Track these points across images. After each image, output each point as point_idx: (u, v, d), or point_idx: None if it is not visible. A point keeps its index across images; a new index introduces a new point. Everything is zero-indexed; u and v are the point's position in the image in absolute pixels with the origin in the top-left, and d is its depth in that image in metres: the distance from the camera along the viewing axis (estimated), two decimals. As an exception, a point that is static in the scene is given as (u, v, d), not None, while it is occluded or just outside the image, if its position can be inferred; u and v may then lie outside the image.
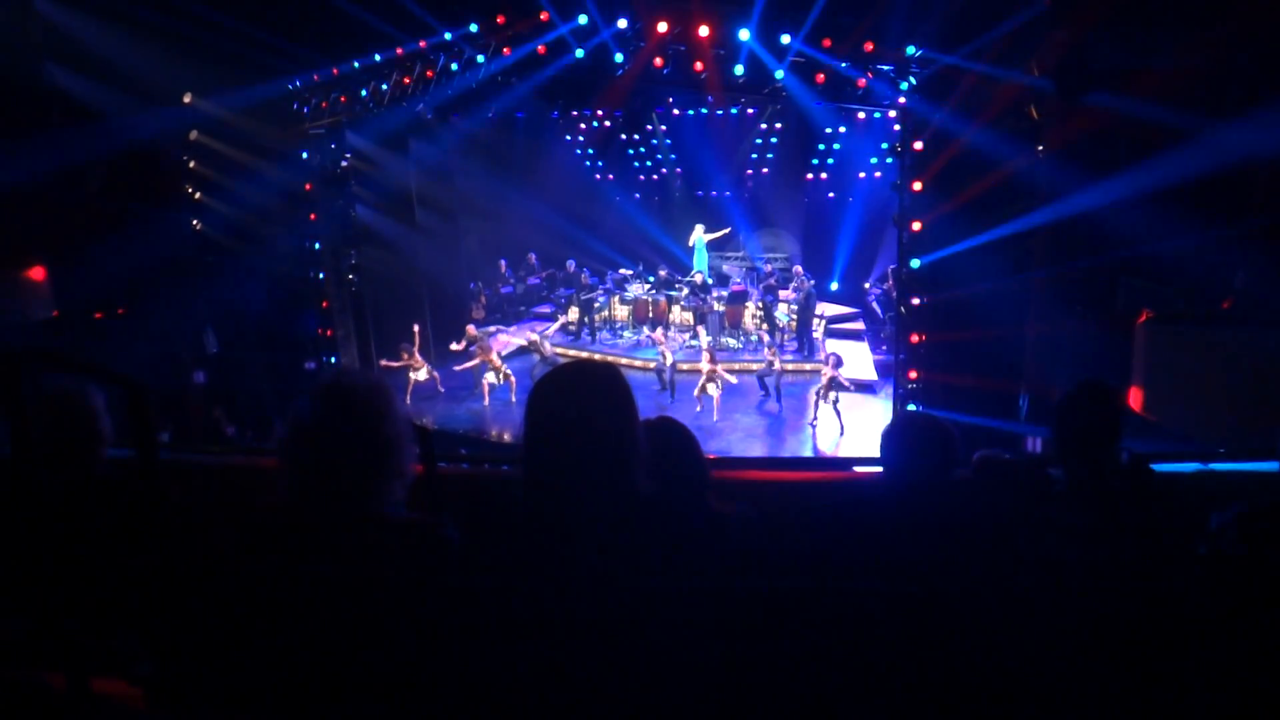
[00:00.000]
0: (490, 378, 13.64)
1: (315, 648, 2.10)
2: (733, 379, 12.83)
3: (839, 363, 11.91)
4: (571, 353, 15.49)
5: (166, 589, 2.24)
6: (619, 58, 11.15)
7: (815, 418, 12.21)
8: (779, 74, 10.77)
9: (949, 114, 10.23)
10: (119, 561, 2.95)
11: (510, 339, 15.83)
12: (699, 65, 11.04)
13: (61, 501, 3.13)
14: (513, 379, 13.66)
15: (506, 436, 12.59)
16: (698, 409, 12.61)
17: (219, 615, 2.19)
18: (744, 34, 10.52)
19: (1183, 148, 8.94)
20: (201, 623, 2.20)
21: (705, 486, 2.87)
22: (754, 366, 14.17)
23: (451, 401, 14.24)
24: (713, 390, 12.65)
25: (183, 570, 2.27)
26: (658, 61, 11.14)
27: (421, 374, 14.01)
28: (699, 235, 17.39)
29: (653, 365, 14.26)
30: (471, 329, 14.48)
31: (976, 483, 3.34)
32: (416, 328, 14.27)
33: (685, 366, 14.05)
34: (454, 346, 14.58)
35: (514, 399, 13.52)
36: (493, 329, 15.12)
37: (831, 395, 11.87)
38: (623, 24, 10.86)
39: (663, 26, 10.74)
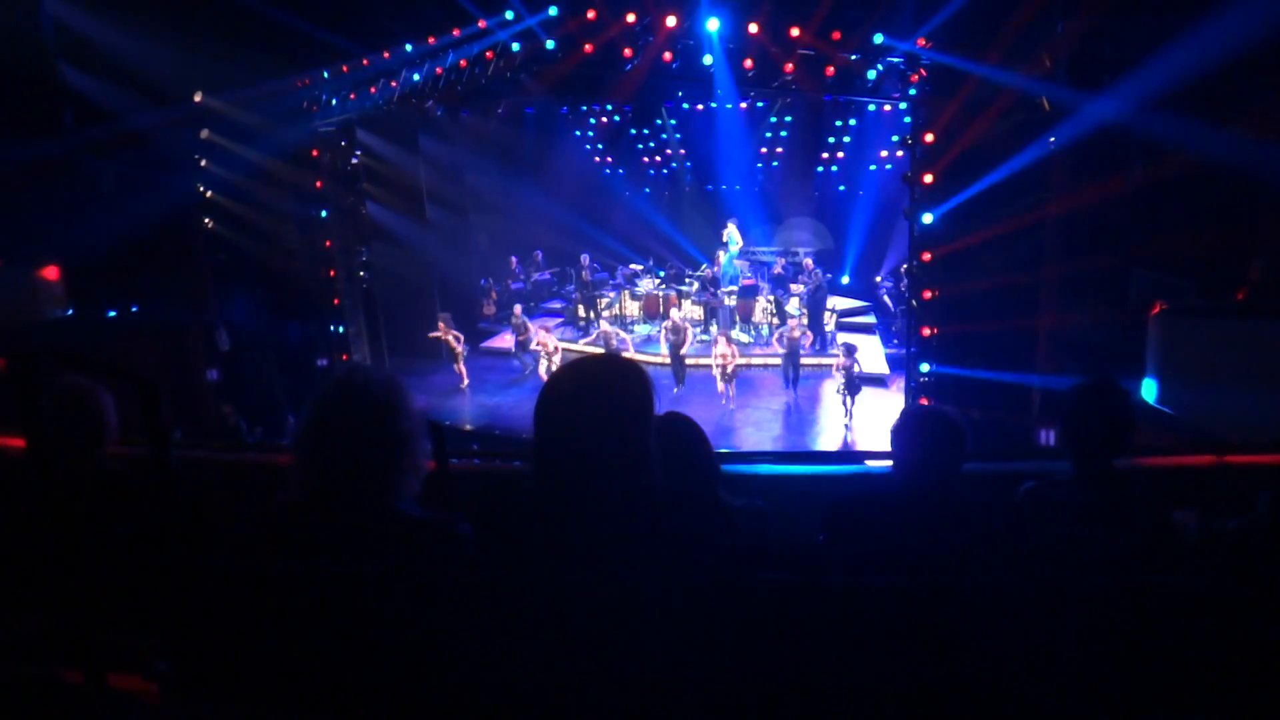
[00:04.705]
0: (545, 365, 13.95)
1: (330, 644, 2.11)
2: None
3: (851, 350, 11.91)
4: (578, 347, 15.52)
5: (182, 585, 2.25)
6: (627, 52, 11.12)
7: (849, 419, 12.10)
8: (788, 67, 10.73)
9: (960, 106, 10.19)
10: (134, 558, 2.97)
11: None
12: (708, 59, 11.01)
13: (72, 496, 3.15)
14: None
15: (519, 432, 12.60)
16: (724, 403, 12.91)
17: (234, 612, 2.20)
18: (753, 27, 10.49)
19: (1194, 140, 8.89)
20: (217, 619, 2.21)
21: (716, 481, 2.88)
22: (766, 361, 14.18)
23: (463, 397, 14.28)
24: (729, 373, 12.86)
25: (198, 567, 2.28)
26: (667, 56, 11.12)
27: (459, 351, 14.49)
28: (732, 232, 17.42)
29: (662, 359, 14.30)
30: (518, 309, 14.93)
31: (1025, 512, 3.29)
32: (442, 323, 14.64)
33: (694, 361, 14.08)
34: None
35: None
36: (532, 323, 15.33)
37: (852, 387, 11.92)
38: (631, 19, 10.82)
39: (671, 21, 10.72)
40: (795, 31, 10.42)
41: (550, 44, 11.28)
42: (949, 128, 10.40)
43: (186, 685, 2.25)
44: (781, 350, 13.38)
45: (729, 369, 12.86)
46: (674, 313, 14.29)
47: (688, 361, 13.89)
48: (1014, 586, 2.06)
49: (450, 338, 14.51)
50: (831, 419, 12.20)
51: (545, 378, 13.04)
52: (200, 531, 3.05)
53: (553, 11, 11.03)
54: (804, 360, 14.47)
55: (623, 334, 15.22)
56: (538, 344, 14.07)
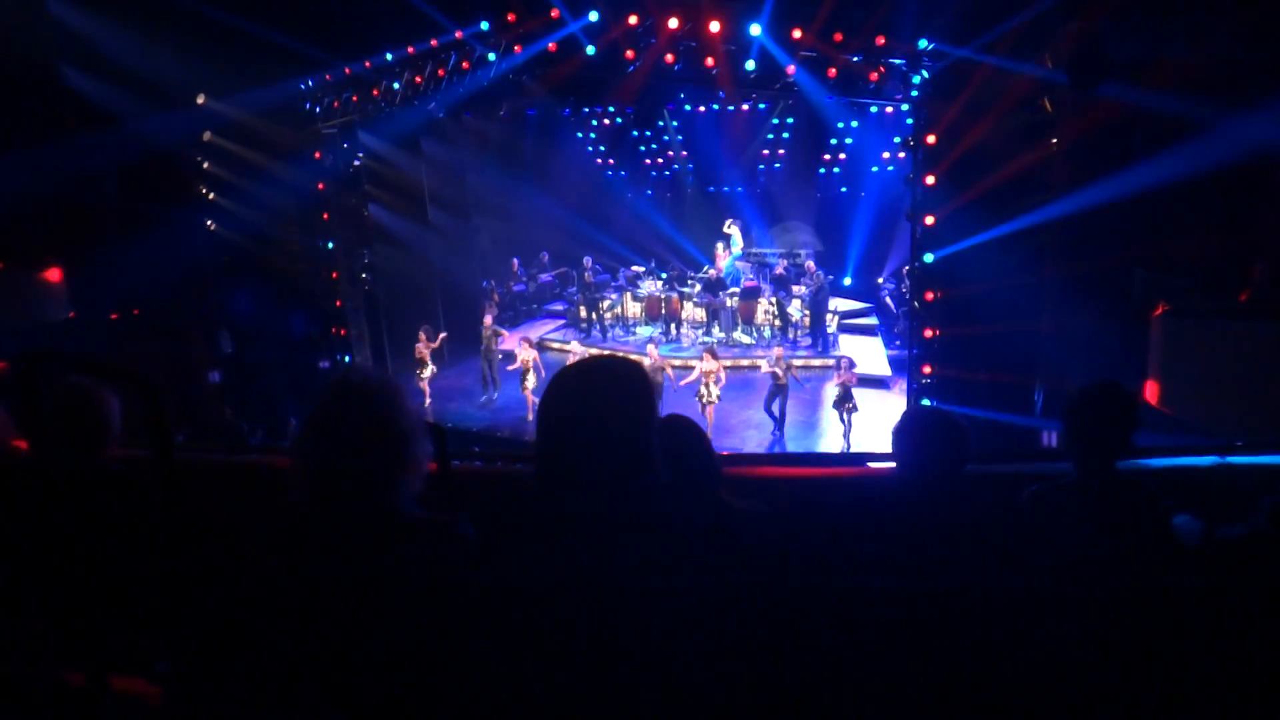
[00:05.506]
0: (530, 381, 13.18)
1: (331, 645, 2.11)
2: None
3: (851, 364, 11.74)
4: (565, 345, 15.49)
5: (184, 587, 2.25)
6: (629, 54, 11.11)
7: (849, 430, 11.70)
8: (790, 68, 10.72)
9: (962, 107, 10.18)
10: (137, 559, 2.97)
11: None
12: (710, 61, 11.01)
13: (75, 498, 3.16)
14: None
15: (521, 435, 12.60)
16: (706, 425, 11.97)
17: (236, 613, 2.20)
18: (755, 29, 10.49)
19: (1198, 139, 8.87)
20: (219, 621, 2.21)
21: (718, 483, 2.87)
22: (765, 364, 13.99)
23: (465, 400, 14.27)
24: (713, 394, 12.07)
25: (200, 569, 2.29)
26: (669, 58, 11.11)
27: (427, 372, 14.02)
28: (734, 233, 17.47)
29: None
30: (488, 320, 14.44)
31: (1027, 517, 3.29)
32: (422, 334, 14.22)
33: (678, 362, 14.02)
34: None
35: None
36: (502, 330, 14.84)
37: (847, 404, 11.55)
38: (634, 20, 10.82)
39: (674, 23, 10.72)
40: (797, 33, 10.42)
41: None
42: (951, 129, 10.40)
43: (189, 687, 2.26)
44: (769, 373, 12.17)
45: (713, 388, 12.04)
46: (651, 348, 13.45)
47: (681, 364, 13.81)
48: (1016, 589, 2.05)
49: (428, 351, 14.04)
50: (833, 420, 12.15)
51: (527, 394, 12.99)
52: (202, 533, 3.05)
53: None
54: (803, 362, 14.42)
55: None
56: (520, 361, 13.28)
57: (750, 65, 10.85)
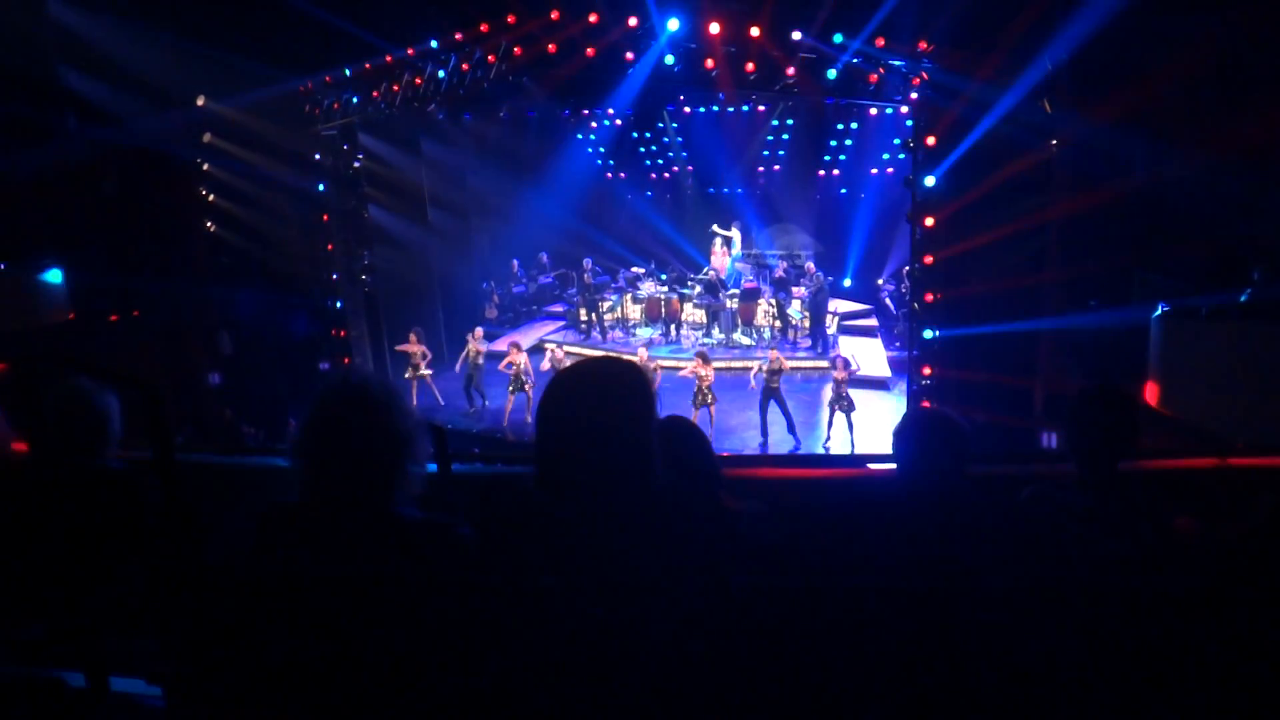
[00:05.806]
0: (522, 382, 13.03)
1: (331, 646, 2.11)
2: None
3: (847, 364, 11.66)
4: (582, 352, 15.49)
5: (184, 588, 2.25)
6: (629, 56, 11.11)
7: (829, 437, 11.58)
8: (790, 70, 10.72)
9: (962, 109, 10.18)
10: (137, 561, 2.97)
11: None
12: (710, 63, 11.01)
13: (75, 499, 3.16)
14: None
15: (518, 436, 12.59)
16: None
17: (236, 615, 2.20)
18: (754, 30, 10.49)
19: (1198, 140, 8.88)
20: (219, 622, 2.21)
21: (718, 484, 2.87)
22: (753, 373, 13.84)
23: (465, 401, 14.25)
24: (707, 397, 11.94)
25: (200, 570, 2.29)
26: (668, 59, 11.12)
27: (423, 370, 13.95)
28: (735, 235, 17.55)
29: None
30: (479, 331, 14.21)
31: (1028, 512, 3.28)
32: (413, 335, 14.08)
33: (669, 364, 13.97)
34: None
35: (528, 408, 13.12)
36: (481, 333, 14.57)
37: (844, 403, 11.43)
38: (633, 22, 10.83)
39: (674, 24, 10.72)
40: (797, 35, 10.43)
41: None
42: (951, 130, 10.40)
43: (188, 688, 2.25)
44: (760, 382, 11.93)
45: (707, 392, 11.93)
46: (641, 350, 13.50)
47: (673, 365, 13.77)
48: (1017, 589, 2.05)
49: (419, 353, 13.89)
50: (834, 420, 12.11)
51: (528, 397, 12.89)
52: (202, 535, 3.05)
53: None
54: (799, 364, 14.39)
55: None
56: (507, 362, 13.11)
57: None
